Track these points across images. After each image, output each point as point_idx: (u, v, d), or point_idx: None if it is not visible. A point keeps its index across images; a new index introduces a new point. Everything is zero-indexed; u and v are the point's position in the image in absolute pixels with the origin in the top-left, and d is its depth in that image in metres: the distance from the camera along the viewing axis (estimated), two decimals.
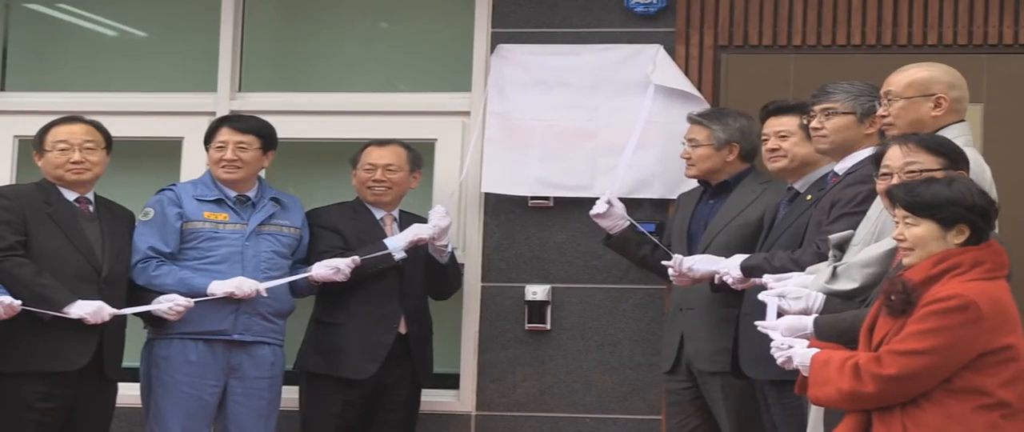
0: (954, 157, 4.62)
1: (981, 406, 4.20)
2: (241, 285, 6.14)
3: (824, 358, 4.36)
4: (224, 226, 6.28)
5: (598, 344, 6.77)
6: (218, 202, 6.31)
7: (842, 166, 5.53)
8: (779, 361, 4.54)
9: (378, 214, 6.58)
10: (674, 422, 6.24)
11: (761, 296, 4.96)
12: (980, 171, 4.81)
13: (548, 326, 6.80)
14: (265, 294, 6.17)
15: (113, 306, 5.98)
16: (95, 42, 7.59)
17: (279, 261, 6.33)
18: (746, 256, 5.62)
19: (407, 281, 6.48)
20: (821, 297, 4.85)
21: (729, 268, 5.62)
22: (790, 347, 4.50)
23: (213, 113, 6.98)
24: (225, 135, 6.35)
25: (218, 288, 6.13)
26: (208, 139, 6.40)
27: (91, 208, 6.18)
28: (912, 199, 4.36)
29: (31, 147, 6.31)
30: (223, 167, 6.32)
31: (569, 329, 6.80)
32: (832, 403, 4.34)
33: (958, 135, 4.94)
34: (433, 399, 6.80)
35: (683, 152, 6.25)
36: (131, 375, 6.34)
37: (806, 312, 4.80)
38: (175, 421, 6.17)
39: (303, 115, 7.06)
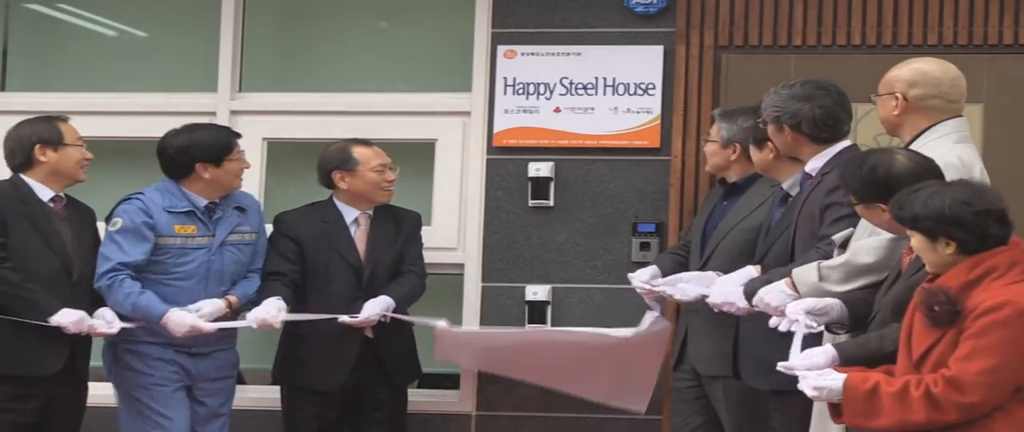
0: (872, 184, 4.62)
1: None
2: (188, 330, 6.02)
3: (868, 390, 4.20)
4: (192, 240, 6.15)
5: None
6: (188, 214, 6.18)
7: (813, 166, 5.41)
8: (811, 397, 4.37)
9: (350, 215, 6.45)
10: (678, 420, 6.24)
11: (783, 327, 4.78)
12: (965, 167, 4.79)
13: (548, 326, 6.80)
14: (208, 331, 6.05)
15: (82, 308, 5.93)
16: (95, 42, 7.59)
17: (241, 270, 6.26)
18: (743, 283, 5.41)
19: (369, 285, 6.35)
20: (840, 305, 4.76)
21: (727, 297, 5.42)
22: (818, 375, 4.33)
23: (213, 113, 6.98)
24: (241, 145, 6.24)
25: (176, 328, 6.01)
26: (224, 152, 6.18)
27: (63, 207, 6.10)
28: (898, 213, 4.33)
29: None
30: (241, 178, 6.26)
31: None
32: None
33: (948, 132, 4.94)
34: (433, 399, 6.80)
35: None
36: (100, 374, 6.31)
37: (831, 321, 4.75)
38: (151, 415, 6.12)
39: (303, 115, 7.06)
